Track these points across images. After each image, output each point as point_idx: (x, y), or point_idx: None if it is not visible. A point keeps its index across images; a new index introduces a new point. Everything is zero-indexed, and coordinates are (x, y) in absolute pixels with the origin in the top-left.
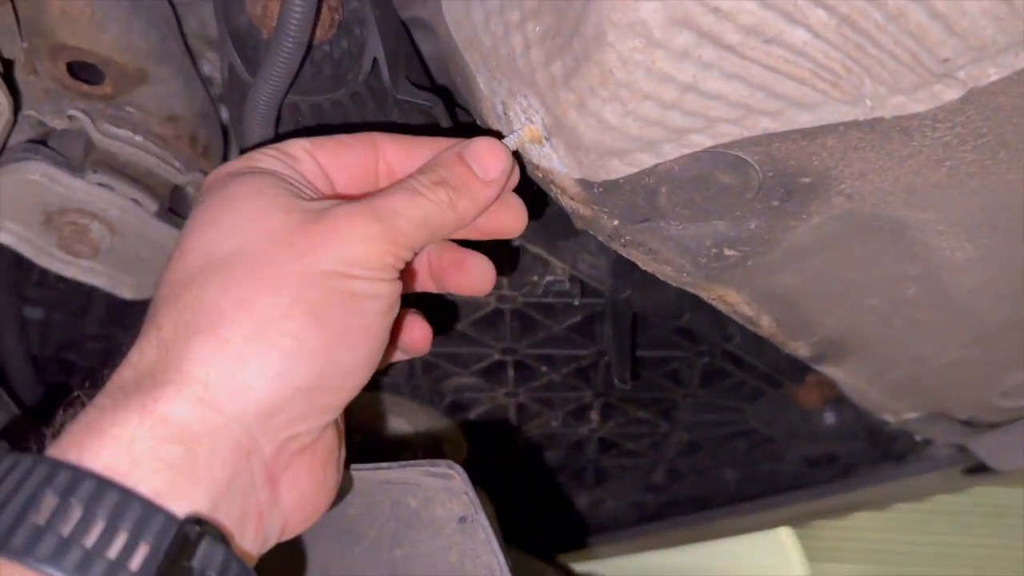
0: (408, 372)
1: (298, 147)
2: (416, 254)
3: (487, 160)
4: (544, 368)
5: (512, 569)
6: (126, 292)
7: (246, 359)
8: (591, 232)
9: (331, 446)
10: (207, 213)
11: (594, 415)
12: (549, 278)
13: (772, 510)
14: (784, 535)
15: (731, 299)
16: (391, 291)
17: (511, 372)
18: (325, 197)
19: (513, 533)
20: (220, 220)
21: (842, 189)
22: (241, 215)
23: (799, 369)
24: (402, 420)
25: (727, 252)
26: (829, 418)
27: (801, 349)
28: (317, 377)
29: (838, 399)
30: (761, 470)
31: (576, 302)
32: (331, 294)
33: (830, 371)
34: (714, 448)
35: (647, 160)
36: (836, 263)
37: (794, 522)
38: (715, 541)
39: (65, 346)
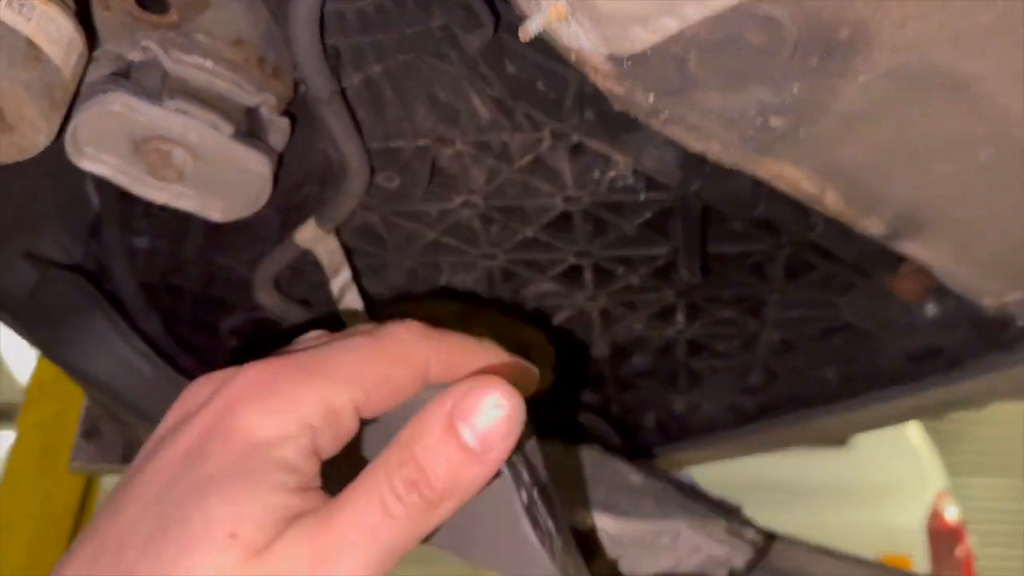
0: (487, 282)
1: (347, 409)
2: None
3: (488, 426)
4: (621, 270)
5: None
6: (215, 215)
7: None
8: (631, 113)
9: None
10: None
11: (679, 316)
12: (611, 174)
13: (875, 406)
14: (918, 442)
15: (789, 175)
16: None
17: (589, 276)
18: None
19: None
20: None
21: (884, 41)
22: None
23: (891, 258)
24: (485, 328)
25: (773, 121)
26: (930, 309)
27: (873, 226)
28: None
29: (939, 289)
30: (861, 367)
31: (642, 197)
32: None
33: (910, 249)
34: (809, 346)
35: (671, 25)
36: (895, 128)
37: (898, 419)
38: (842, 448)
39: (170, 272)
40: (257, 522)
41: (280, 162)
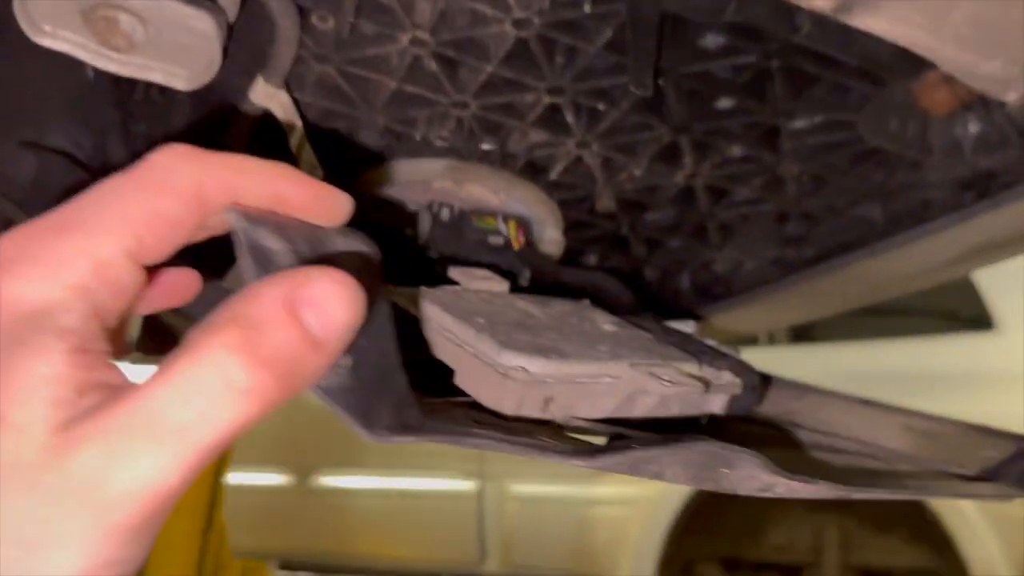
0: (468, 135)
1: (118, 259)
2: None
3: (331, 310)
4: (602, 106)
5: None
6: (180, 83)
7: None
8: None
9: None
10: None
11: (686, 159)
12: None
13: (927, 241)
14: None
15: None
16: None
17: (571, 117)
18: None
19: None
20: None
21: None
22: None
23: (903, 62)
24: (478, 186)
25: None
26: (972, 125)
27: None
28: None
29: (979, 101)
30: (907, 203)
31: (587, 9)
32: None
33: (872, 24)
34: (840, 179)
35: None
36: None
37: (960, 259)
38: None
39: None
40: (40, 402)
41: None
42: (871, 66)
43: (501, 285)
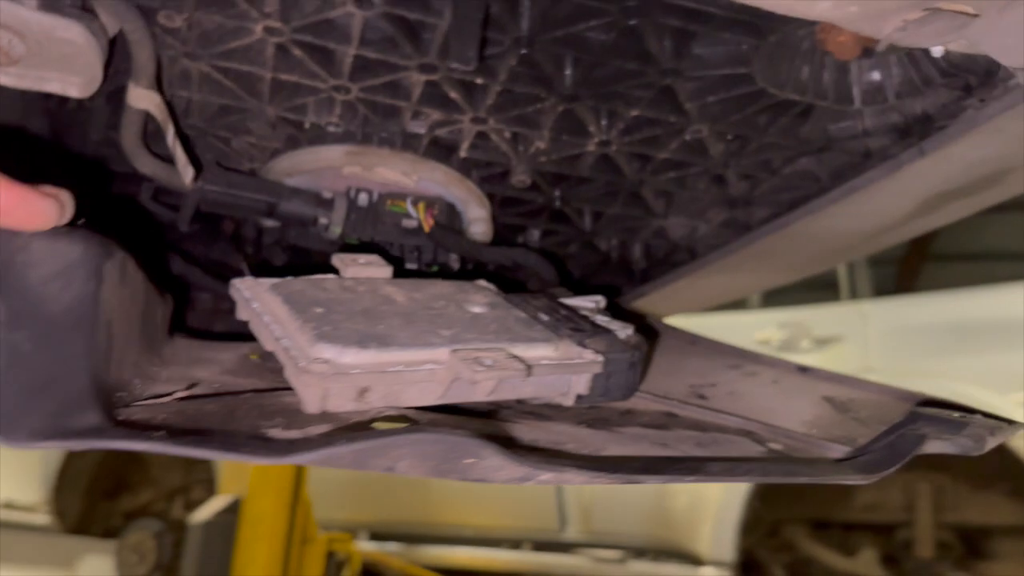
0: (361, 120)
1: None
2: None
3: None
4: (480, 80)
5: None
6: (75, 91)
7: None
8: None
9: None
10: None
11: (590, 127)
12: None
13: (870, 190)
14: None
15: None
16: None
17: (455, 93)
18: None
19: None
20: None
21: None
22: None
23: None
24: (387, 169)
25: None
26: (894, 69)
27: None
28: None
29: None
30: (848, 155)
31: None
32: None
33: None
34: (762, 135)
35: None
36: None
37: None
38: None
39: None
40: None
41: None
42: (743, 13)
43: (383, 270)
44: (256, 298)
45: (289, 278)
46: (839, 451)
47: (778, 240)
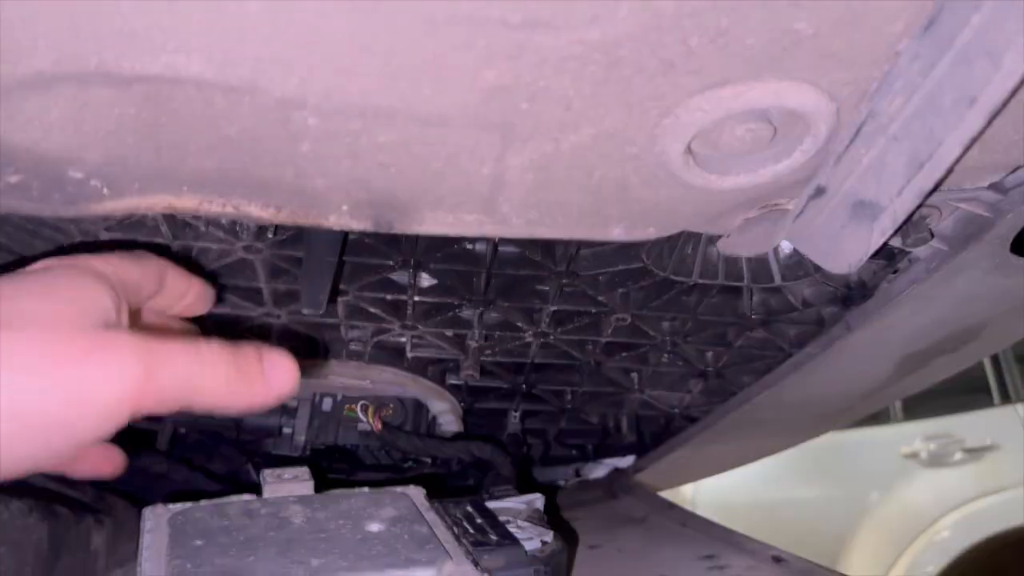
0: (304, 337)
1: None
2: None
3: (281, 374)
4: (389, 296)
5: None
6: None
7: None
8: None
9: None
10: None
11: (520, 323)
12: None
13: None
14: None
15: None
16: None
17: (375, 310)
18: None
19: None
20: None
21: None
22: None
23: None
24: (339, 377)
25: None
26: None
27: (335, 220)
28: None
29: None
30: (799, 326)
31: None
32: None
33: (432, 226)
34: (695, 312)
35: None
36: None
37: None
38: None
39: None
40: None
41: None
42: None
43: (304, 487)
44: (153, 529)
45: (201, 502)
46: None
47: (758, 408)
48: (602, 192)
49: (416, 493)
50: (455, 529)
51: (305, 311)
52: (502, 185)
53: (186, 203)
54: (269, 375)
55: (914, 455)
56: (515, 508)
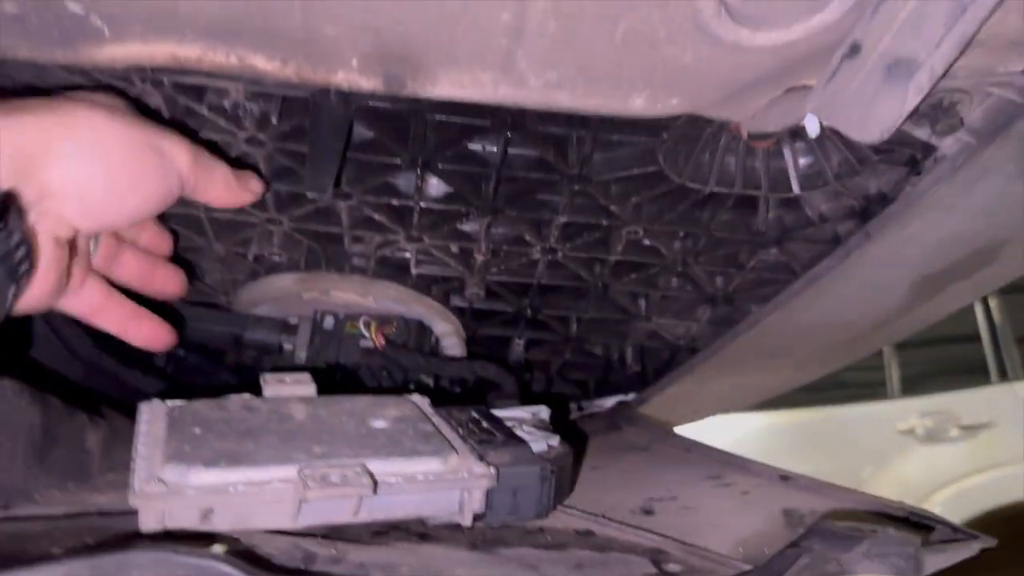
0: (305, 248)
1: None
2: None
3: (254, 185)
4: (396, 201)
5: None
6: None
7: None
8: None
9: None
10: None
11: (528, 236)
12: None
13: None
14: None
15: None
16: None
17: (379, 216)
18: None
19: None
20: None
21: None
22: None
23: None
24: (343, 292)
25: None
26: (801, 157)
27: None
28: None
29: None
30: (814, 246)
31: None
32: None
33: (444, 90)
34: (709, 232)
35: None
36: None
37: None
38: None
39: None
40: None
41: None
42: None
43: (306, 388)
44: (150, 420)
45: (197, 400)
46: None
47: (767, 333)
48: (626, 49)
49: (420, 400)
50: (460, 431)
51: (309, 194)
52: (521, 35)
53: (189, 52)
54: (250, 186)
55: (910, 431)
56: (520, 416)
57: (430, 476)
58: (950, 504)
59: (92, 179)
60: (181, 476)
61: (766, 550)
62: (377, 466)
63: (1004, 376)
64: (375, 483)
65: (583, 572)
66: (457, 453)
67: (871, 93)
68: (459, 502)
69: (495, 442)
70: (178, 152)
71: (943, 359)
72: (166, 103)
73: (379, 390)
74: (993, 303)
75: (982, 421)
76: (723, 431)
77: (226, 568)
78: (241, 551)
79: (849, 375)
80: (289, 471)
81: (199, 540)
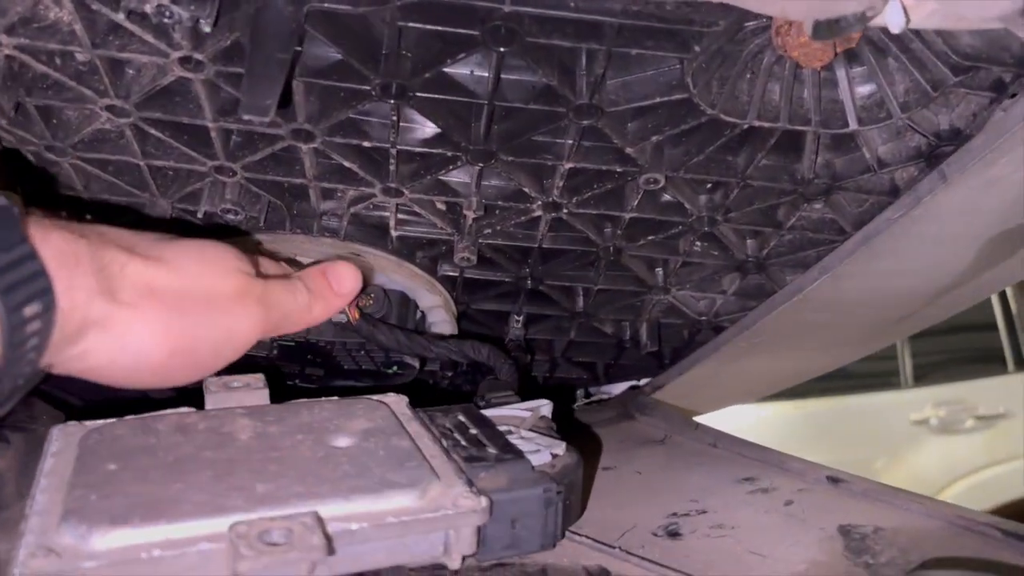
0: (265, 203)
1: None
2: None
3: (346, 281)
4: (367, 143)
5: None
6: None
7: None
8: None
9: None
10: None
11: (527, 187)
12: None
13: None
14: None
15: None
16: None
17: (349, 163)
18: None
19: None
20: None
21: None
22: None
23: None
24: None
25: None
26: (885, 78)
27: None
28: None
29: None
30: (869, 198)
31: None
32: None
33: None
34: (743, 181)
35: None
36: None
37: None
38: None
39: None
40: None
41: None
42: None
43: (256, 396)
44: (58, 452)
45: (126, 418)
46: None
47: (809, 305)
48: None
49: (396, 401)
50: (444, 442)
51: (245, 116)
52: None
53: None
54: (336, 286)
55: (924, 422)
56: (517, 416)
57: (404, 517)
58: (965, 497)
59: (137, 371)
60: (80, 540)
61: None
62: (335, 508)
63: (1021, 365)
64: (329, 542)
65: None
66: (439, 479)
67: None
68: (444, 543)
69: (487, 458)
70: (248, 327)
71: (957, 348)
72: (82, 22)
73: (358, 372)
74: (1009, 290)
75: (999, 411)
76: (729, 421)
77: None
78: None
79: (859, 364)
80: (220, 524)
81: None
